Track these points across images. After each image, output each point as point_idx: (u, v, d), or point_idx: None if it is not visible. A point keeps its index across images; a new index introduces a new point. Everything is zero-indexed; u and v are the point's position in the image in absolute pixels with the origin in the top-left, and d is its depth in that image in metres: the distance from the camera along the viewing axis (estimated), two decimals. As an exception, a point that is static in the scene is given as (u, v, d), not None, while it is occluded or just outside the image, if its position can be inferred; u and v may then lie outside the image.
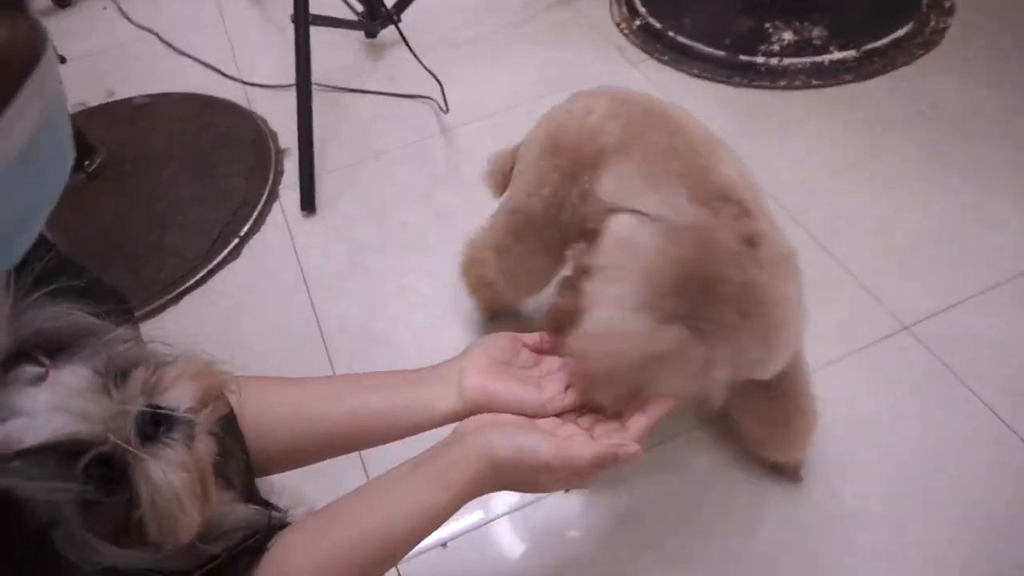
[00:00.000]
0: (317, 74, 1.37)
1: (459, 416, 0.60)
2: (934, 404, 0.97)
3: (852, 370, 1.01)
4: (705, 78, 1.45)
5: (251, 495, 0.55)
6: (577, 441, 0.56)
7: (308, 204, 1.31)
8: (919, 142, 1.29)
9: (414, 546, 0.56)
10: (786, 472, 0.91)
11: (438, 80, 1.45)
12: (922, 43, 1.44)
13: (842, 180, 1.25)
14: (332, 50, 1.63)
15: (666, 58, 1.50)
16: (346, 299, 1.20)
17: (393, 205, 1.33)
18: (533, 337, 0.66)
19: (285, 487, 0.67)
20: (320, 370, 1.10)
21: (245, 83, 1.61)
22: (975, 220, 1.16)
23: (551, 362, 0.64)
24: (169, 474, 0.41)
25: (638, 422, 0.58)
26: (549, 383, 0.62)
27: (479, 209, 0.96)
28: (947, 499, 0.88)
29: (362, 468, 0.92)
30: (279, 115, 1.51)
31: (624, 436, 0.57)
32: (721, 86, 1.44)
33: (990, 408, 0.95)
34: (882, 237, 1.16)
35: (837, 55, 1.43)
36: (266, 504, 0.57)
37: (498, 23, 1.69)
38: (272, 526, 0.52)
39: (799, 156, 1.30)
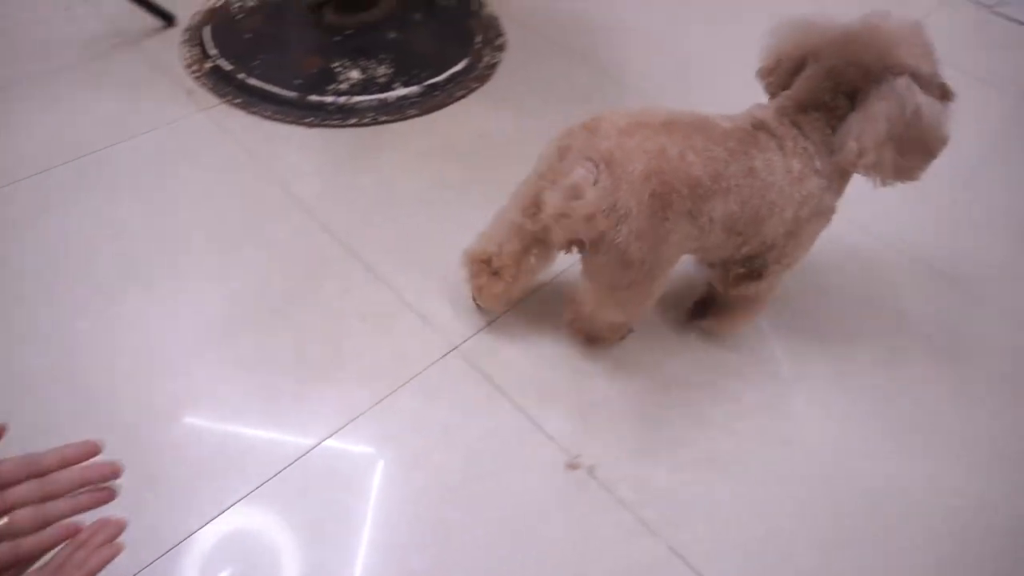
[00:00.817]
0: None
1: None
2: (485, 415, 1.06)
3: (414, 393, 1.07)
4: (278, 120, 1.45)
5: None
6: None
7: None
8: (476, 168, 1.42)
9: None
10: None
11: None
12: (477, 77, 1.59)
13: (405, 209, 1.32)
14: None
15: (239, 101, 1.47)
16: None
17: None
18: None
19: None
20: None
21: None
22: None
23: None
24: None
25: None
26: None
27: None
28: (492, 502, 0.97)
29: None
30: None
31: None
32: (295, 127, 1.45)
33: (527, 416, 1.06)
34: (435, 266, 1.24)
35: (402, 91, 1.52)
36: None
37: (57, 65, 1.52)
38: None
39: (367, 189, 1.35)
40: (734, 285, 1.08)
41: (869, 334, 1.23)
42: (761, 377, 1.15)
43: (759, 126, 0.97)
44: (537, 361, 1.13)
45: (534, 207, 0.98)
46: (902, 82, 0.89)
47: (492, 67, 1.63)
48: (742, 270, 1.06)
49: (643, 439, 1.05)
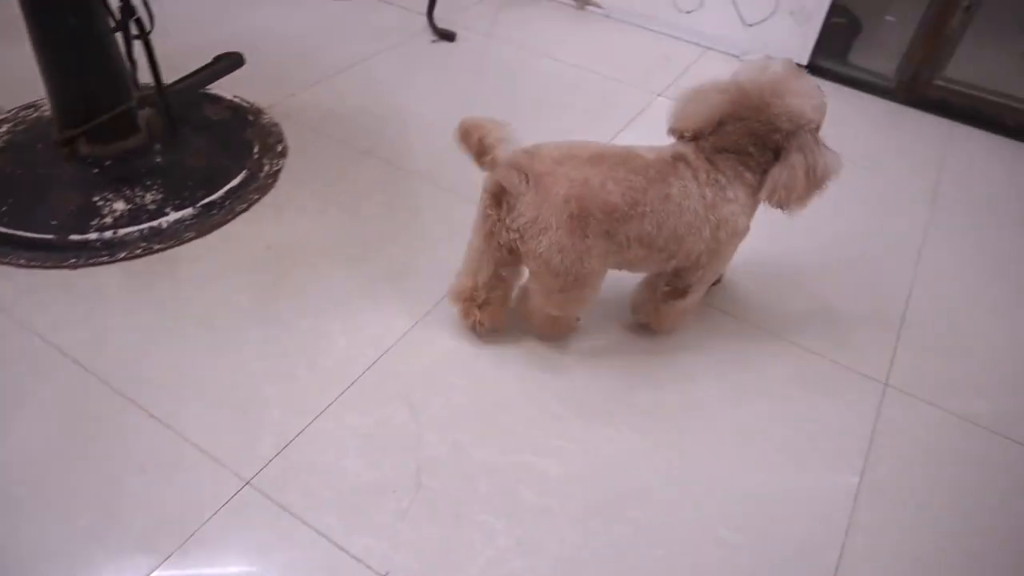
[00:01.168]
0: None
1: None
2: (286, 549, 0.99)
3: (202, 544, 0.98)
4: (35, 266, 1.33)
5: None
6: None
7: None
8: (266, 282, 1.37)
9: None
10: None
11: None
12: (258, 188, 1.56)
13: (187, 340, 1.25)
14: None
15: (-11, 252, 1.35)
16: None
17: None
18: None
19: None
20: None
21: None
22: (315, 345, 1.26)
23: None
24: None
25: None
26: None
27: None
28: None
29: None
30: None
31: None
32: (56, 271, 1.34)
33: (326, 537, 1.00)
34: (224, 394, 1.17)
35: (175, 215, 1.45)
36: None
37: None
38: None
39: (144, 326, 1.26)
40: (663, 301, 1.27)
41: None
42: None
43: (679, 157, 1.14)
44: (341, 477, 1.08)
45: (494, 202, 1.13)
46: (810, 138, 1.10)
47: (274, 175, 1.60)
48: (667, 288, 1.25)
49: (454, 550, 1.02)
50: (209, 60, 1.69)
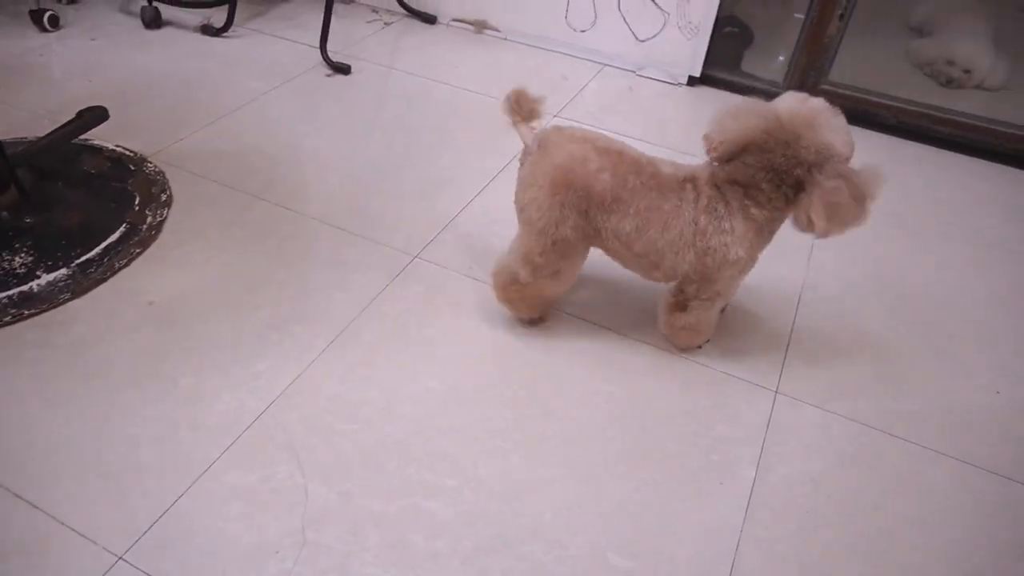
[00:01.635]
0: None
1: None
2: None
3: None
4: None
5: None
6: None
7: None
8: (145, 342, 1.32)
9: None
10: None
11: None
12: (140, 241, 1.51)
13: (57, 414, 1.19)
14: None
15: None
16: None
17: None
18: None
19: None
20: None
21: None
22: (197, 402, 1.22)
23: None
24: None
25: None
26: None
27: None
28: None
29: None
30: None
31: None
32: (-83, 347, 1.27)
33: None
34: (102, 460, 1.13)
35: (48, 277, 1.39)
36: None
37: None
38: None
39: (11, 398, 1.20)
40: (669, 312, 1.33)
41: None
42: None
43: (689, 179, 1.20)
44: (221, 542, 1.03)
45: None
46: (845, 167, 1.11)
47: (157, 226, 1.55)
48: (672, 299, 1.31)
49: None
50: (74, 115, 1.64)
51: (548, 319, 1.44)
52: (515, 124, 1.27)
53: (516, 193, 1.26)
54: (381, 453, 1.17)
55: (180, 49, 2.28)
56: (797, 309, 1.51)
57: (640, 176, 1.19)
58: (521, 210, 1.25)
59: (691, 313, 1.29)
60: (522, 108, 1.26)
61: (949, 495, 1.19)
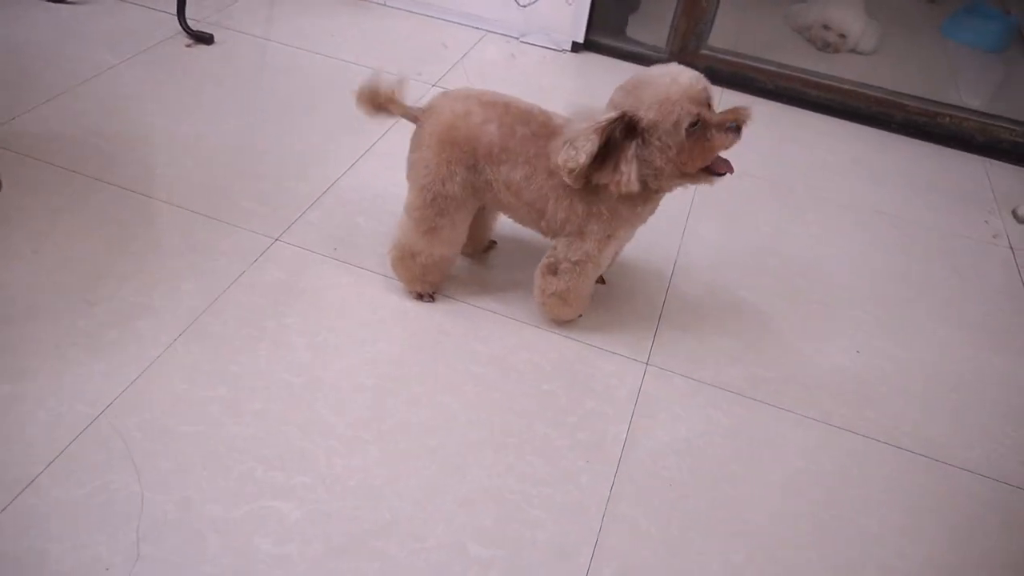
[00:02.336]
0: None
1: None
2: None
3: None
4: None
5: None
6: None
7: None
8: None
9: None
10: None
11: None
12: (-42, 234, 1.36)
13: None
14: None
15: None
16: None
17: None
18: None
19: None
20: None
21: None
22: (17, 413, 1.10)
23: None
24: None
25: None
26: None
27: None
28: None
29: None
30: None
31: None
32: None
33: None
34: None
35: None
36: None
37: None
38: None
39: None
40: (542, 276, 1.29)
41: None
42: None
43: None
44: (42, 564, 0.93)
45: None
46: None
47: (-22, 217, 1.40)
48: (546, 260, 1.28)
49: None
50: None
51: (440, 292, 1.39)
52: (372, 115, 1.25)
53: (407, 156, 1.25)
54: (227, 455, 1.09)
55: (16, 16, 2.06)
56: (670, 280, 1.51)
57: (530, 125, 1.18)
58: (409, 169, 1.25)
59: (561, 278, 1.26)
60: (376, 100, 1.24)
61: (811, 457, 1.21)
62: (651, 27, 2.34)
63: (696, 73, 1.11)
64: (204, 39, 2.04)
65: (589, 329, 1.36)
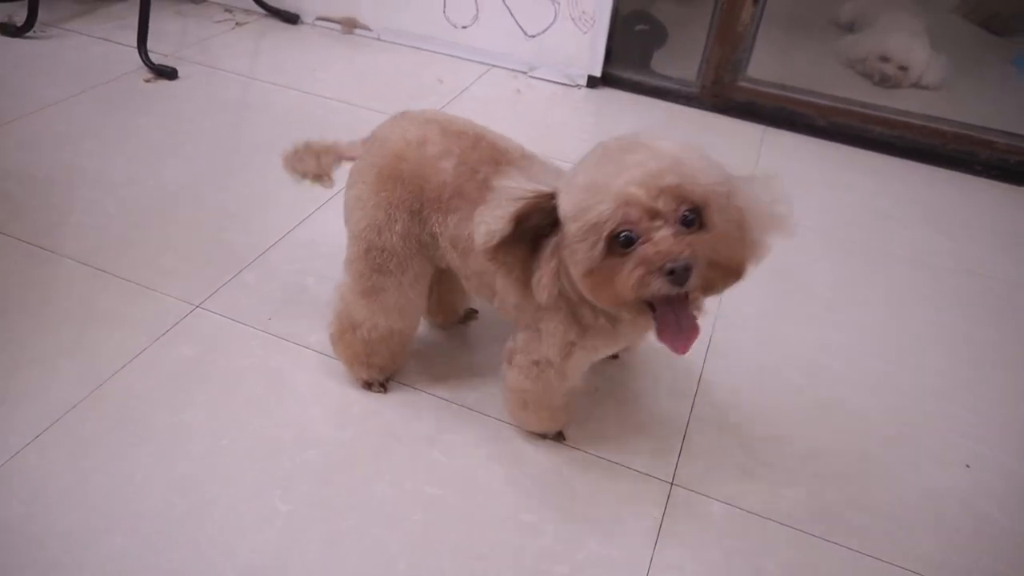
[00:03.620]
0: None
1: None
2: None
3: None
4: None
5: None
6: None
7: None
8: None
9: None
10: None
11: None
12: None
13: None
14: None
15: None
16: None
17: None
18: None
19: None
20: None
21: None
22: None
23: None
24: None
25: None
26: None
27: None
28: None
29: None
30: None
31: None
32: None
33: None
34: None
35: None
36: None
37: None
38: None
39: None
40: (504, 362, 0.94)
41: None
42: None
43: None
44: None
45: None
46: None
47: None
48: (508, 344, 0.94)
49: None
50: None
51: (395, 378, 1.06)
52: (303, 179, 1.01)
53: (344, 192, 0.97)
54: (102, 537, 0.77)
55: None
56: (704, 365, 1.15)
57: (499, 167, 0.87)
58: (344, 211, 0.95)
59: (519, 373, 0.91)
60: (307, 164, 0.99)
61: None
62: (680, 59, 2.05)
63: (679, 158, 0.70)
64: (166, 74, 1.80)
65: (591, 432, 1.02)
